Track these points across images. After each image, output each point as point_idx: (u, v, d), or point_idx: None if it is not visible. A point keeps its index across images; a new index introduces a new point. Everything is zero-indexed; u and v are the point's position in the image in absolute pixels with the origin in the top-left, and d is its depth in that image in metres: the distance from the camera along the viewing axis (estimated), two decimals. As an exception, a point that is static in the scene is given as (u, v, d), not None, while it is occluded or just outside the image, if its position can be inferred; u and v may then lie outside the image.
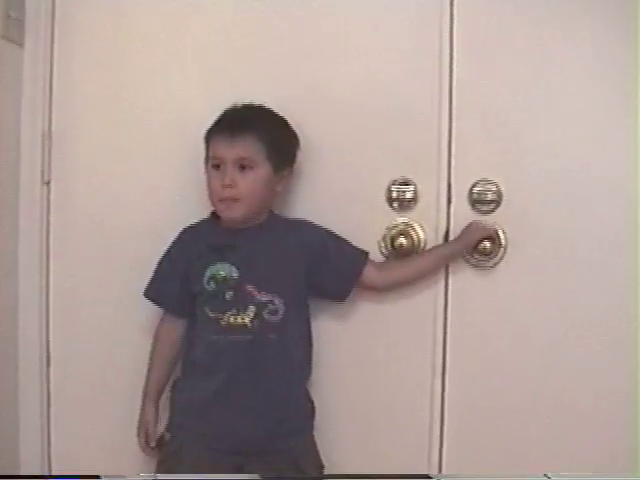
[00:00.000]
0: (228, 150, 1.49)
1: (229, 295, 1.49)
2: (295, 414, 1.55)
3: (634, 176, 1.62)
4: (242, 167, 1.49)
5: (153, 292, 1.58)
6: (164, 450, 1.55)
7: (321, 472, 1.55)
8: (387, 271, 1.62)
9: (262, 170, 1.50)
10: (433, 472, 1.63)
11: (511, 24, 1.63)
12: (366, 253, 1.59)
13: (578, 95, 1.64)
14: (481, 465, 1.63)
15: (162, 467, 1.53)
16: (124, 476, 1.52)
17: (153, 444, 1.57)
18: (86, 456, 1.68)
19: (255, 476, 1.44)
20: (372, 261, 1.60)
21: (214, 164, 1.51)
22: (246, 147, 1.49)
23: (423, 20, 1.63)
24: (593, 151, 1.64)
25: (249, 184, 1.49)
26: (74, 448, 1.69)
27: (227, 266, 1.50)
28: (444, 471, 1.65)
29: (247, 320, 1.49)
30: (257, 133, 1.50)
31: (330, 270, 1.56)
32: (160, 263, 1.57)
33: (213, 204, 1.53)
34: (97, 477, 1.44)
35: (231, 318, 1.49)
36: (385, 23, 1.64)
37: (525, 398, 1.65)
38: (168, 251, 1.57)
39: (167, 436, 1.56)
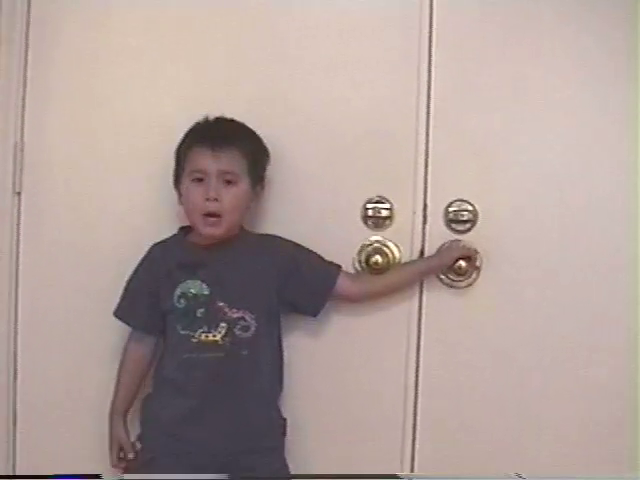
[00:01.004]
0: (213, 163, 1.47)
1: (200, 312, 1.48)
2: (267, 431, 1.54)
3: (621, 197, 1.62)
4: (227, 182, 1.47)
5: (122, 311, 1.56)
6: (135, 460, 1.54)
7: (291, 490, 1.56)
8: (362, 283, 1.61)
9: (243, 185, 1.49)
10: (405, 481, 1.65)
11: (489, 44, 1.63)
12: (338, 266, 1.58)
13: (557, 114, 1.63)
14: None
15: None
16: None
17: (132, 455, 1.54)
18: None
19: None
20: (346, 272, 1.59)
21: (196, 177, 1.48)
22: (231, 161, 1.47)
23: (402, 41, 1.63)
24: (573, 170, 1.63)
25: (232, 199, 1.48)
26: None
27: (198, 283, 1.49)
28: (415, 480, 1.66)
29: (219, 337, 1.48)
30: (241, 147, 1.49)
31: (301, 285, 1.55)
32: (129, 281, 1.55)
33: (192, 219, 1.51)
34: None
35: (202, 335, 1.48)
36: (364, 44, 1.63)
37: (494, 411, 1.66)
38: (137, 269, 1.55)
39: (138, 446, 1.55)
